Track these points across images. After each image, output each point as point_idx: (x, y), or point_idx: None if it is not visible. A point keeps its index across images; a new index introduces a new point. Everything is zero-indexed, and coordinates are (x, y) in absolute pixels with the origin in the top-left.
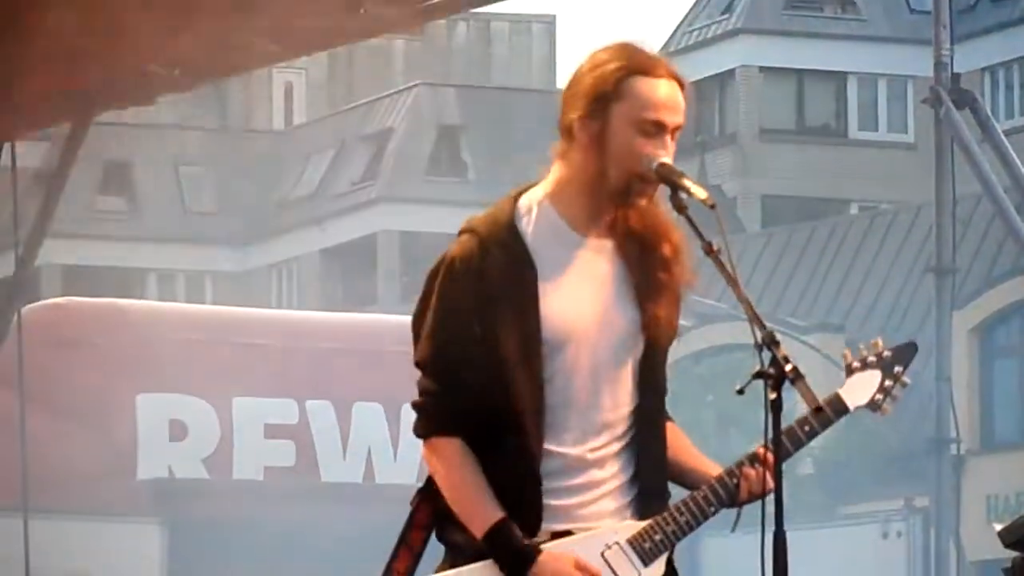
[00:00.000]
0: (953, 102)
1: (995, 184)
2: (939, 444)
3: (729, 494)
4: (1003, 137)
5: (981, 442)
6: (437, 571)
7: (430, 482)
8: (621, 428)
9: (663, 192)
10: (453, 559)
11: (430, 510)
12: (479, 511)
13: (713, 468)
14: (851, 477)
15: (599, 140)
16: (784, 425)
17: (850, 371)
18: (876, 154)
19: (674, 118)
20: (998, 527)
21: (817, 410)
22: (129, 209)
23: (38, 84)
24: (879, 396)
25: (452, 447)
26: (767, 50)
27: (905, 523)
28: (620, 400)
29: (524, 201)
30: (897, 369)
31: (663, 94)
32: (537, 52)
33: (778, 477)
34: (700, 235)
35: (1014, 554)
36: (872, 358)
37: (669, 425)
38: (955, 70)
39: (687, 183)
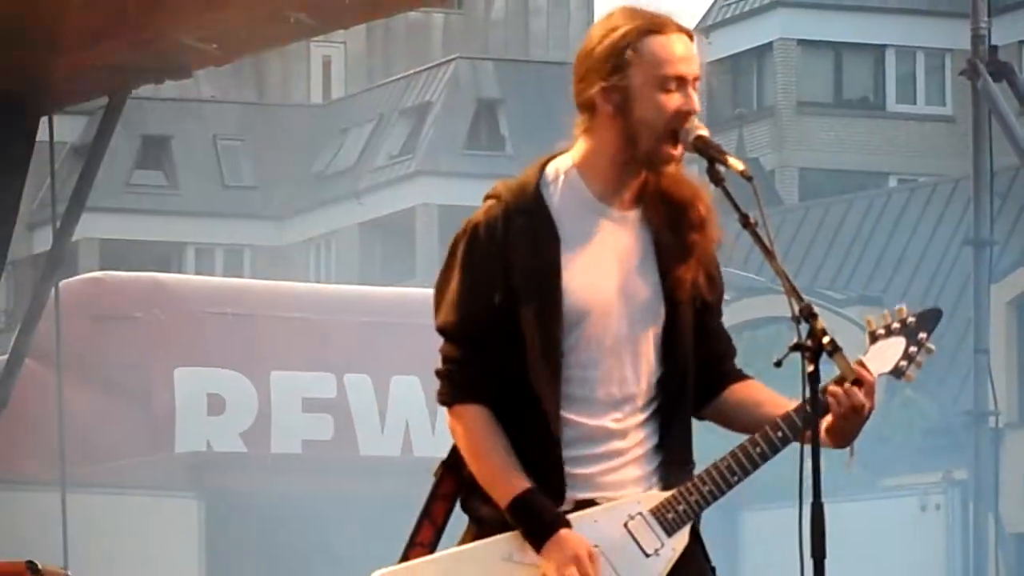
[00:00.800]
0: (991, 74)
1: None
2: (978, 417)
3: (752, 461)
4: None
5: (1020, 415)
6: (460, 543)
7: (453, 453)
8: (645, 399)
9: (690, 160)
10: (477, 530)
11: (453, 481)
12: (504, 479)
13: (784, 402)
14: (890, 450)
15: (623, 108)
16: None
17: (874, 338)
18: (914, 127)
19: (692, 69)
20: None
21: (841, 380)
22: (167, 183)
23: (75, 58)
24: (903, 363)
25: (477, 414)
26: (805, 23)
27: (944, 496)
28: (642, 371)
29: (551, 169)
30: (921, 335)
31: (678, 48)
32: (575, 25)
33: (815, 449)
34: (737, 207)
35: None
36: (896, 325)
37: (750, 382)
38: (993, 42)
39: (724, 155)
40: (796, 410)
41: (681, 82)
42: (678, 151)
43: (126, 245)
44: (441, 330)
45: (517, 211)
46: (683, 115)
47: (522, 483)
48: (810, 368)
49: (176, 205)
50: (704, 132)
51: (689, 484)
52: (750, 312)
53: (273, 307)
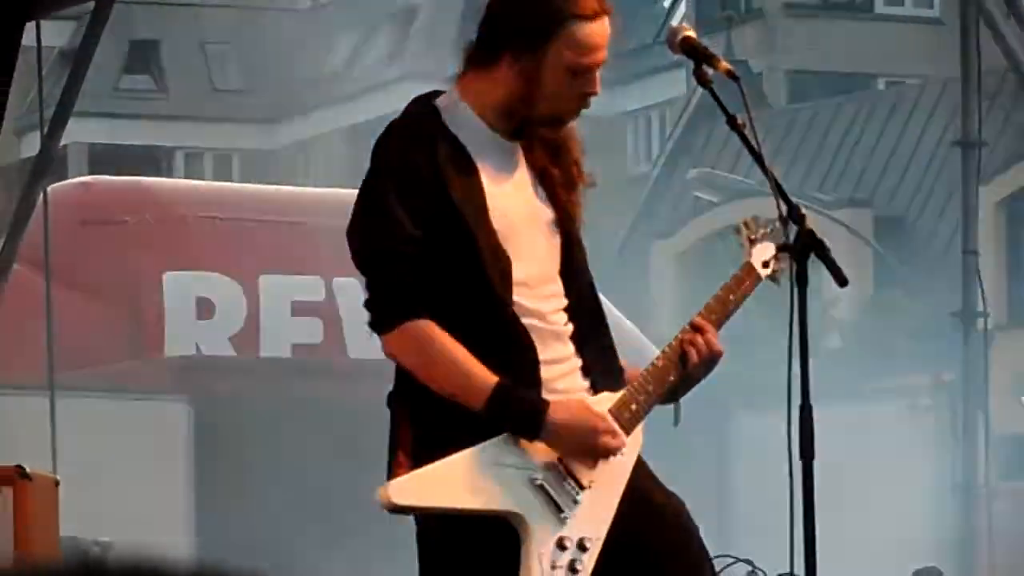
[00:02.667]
0: None
1: (1021, 59)
2: (966, 318)
3: (682, 361)
4: None
5: (1009, 316)
6: (428, 462)
7: (399, 384)
8: (565, 316)
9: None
10: (439, 451)
11: (406, 410)
12: (476, 381)
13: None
14: (878, 352)
15: (528, 77)
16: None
17: (751, 243)
18: (902, 29)
19: (603, 55)
20: None
21: (746, 276)
22: (155, 87)
23: None
24: (777, 267)
25: (429, 327)
26: None
27: (932, 398)
28: (557, 290)
29: (441, 103)
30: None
31: (598, 36)
32: None
33: (803, 352)
34: (724, 109)
35: None
36: (764, 231)
37: None
38: None
39: (710, 56)
40: (706, 308)
41: (593, 68)
42: (568, 122)
43: (114, 150)
44: (370, 256)
45: (433, 140)
46: (585, 102)
47: (492, 378)
48: (797, 269)
49: (164, 109)
50: (691, 34)
51: (635, 384)
52: (738, 214)
53: (262, 211)
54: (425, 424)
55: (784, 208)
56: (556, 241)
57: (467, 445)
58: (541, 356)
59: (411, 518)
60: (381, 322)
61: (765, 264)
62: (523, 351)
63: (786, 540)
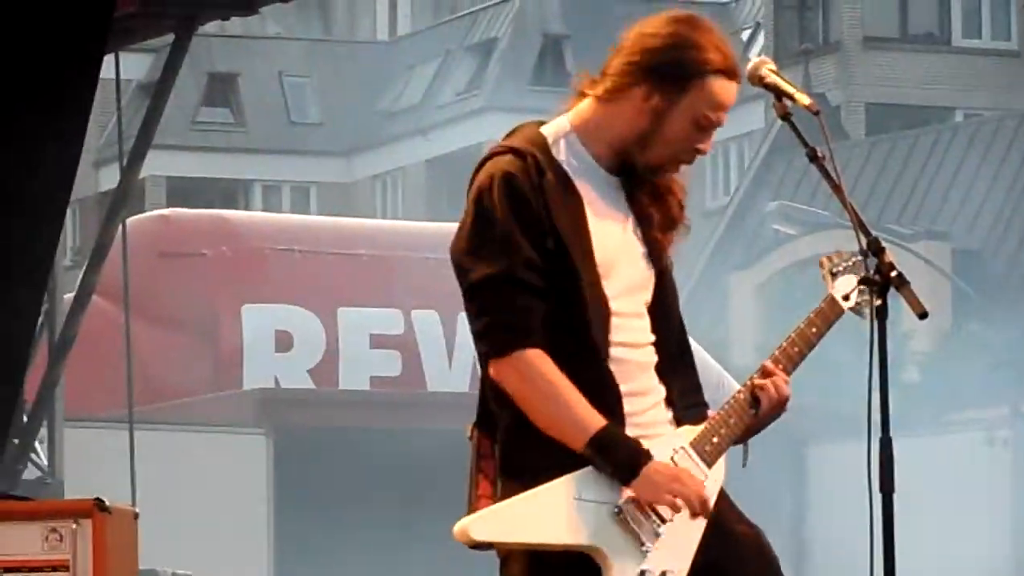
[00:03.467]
0: None
1: None
2: None
3: (754, 402)
4: None
5: None
6: (502, 497)
7: (484, 411)
8: (652, 349)
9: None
10: (525, 480)
11: (490, 439)
12: (582, 418)
13: None
14: (957, 385)
15: (657, 116)
16: (795, 329)
17: (833, 276)
18: (980, 61)
19: (726, 118)
20: None
21: (829, 310)
22: (234, 120)
23: None
24: (860, 300)
25: (540, 358)
26: None
27: (1011, 430)
28: (647, 325)
29: (549, 131)
30: (865, 273)
31: (730, 98)
32: None
33: (883, 384)
34: (804, 142)
35: None
36: (847, 263)
37: None
38: None
39: (791, 89)
40: (778, 351)
41: (715, 126)
42: (674, 171)
43: (193, 182)
44: (487, 280)
45: (542, 166)
46: (693, 158)
47: (599, 420)
48: (877, 302)
49: (242, 142)
50: (771, 67)
51: (717, 417)
52: (817, 247)
53: (340, 244)
54: (509, 455)
55: (864, 241)
56: (650, 276)
57: (550, 477)
58: (627, 388)
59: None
60: (495, 348)
61: (846, 297)
62: (607, 388)
63: (866, 572)
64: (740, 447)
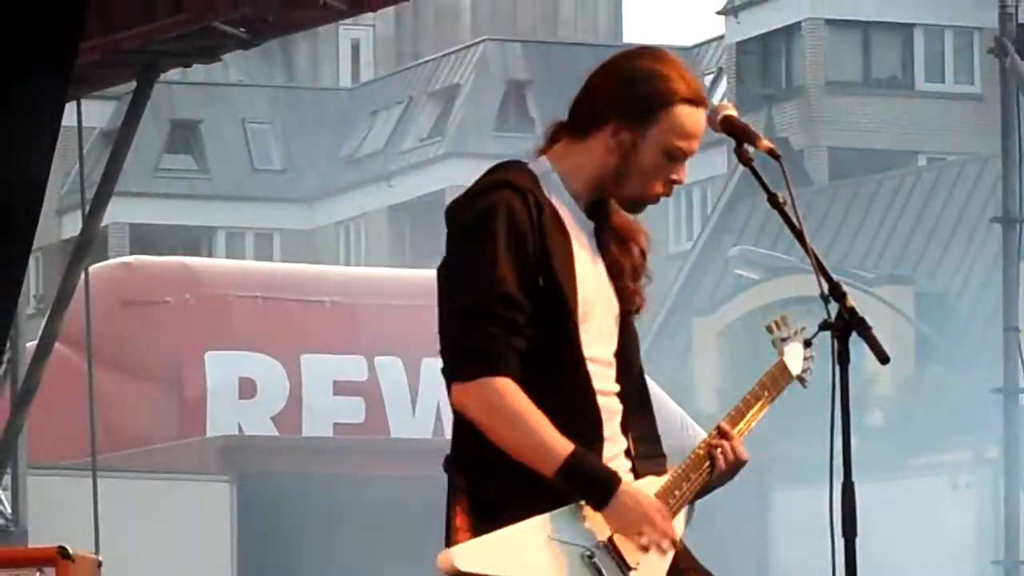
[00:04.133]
0: (1018, 52)
1: None
2: (1007, 395)
3: (709, 462)
4: None
5: None
6: (477, 534)
7: (458, 448)
8: (617, 397)
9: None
10: (492, 513)
11: (465, 476)
12: (551, 445)
13: None
14: (920, 429)
15: (628, 151)
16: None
17: (783, 341)
18: (943, 105)
19: (697, 146)
20: None
21: (779, 375)
22: (196, 167)
23: (103, 42)
24: (806, 367)
25: (510, 386)
26: (833, 2)
27: (975, 474)
28: (613, 371)
29: (535, 168)
30: (811, 345)
31: (698, 126)
32: (604, 6)
33: (845, 427)
34: (766, 187)
35: None
36: (794, 331)
37: None
38: (1020, 20)
39: (752, 134)
40: (732, 414)
41: (686, 156)
42: (649, 203)
43: (156, 230)
44: (469, 304)
45: (540, 201)
46: (669, 190)
47: (567, 445)
48: (839, 347)
49: (205, 189)
50: (732, 112)
51: (678, 471)
52: (779, 292)
53: (303, 291)
54: (483, 490)
55: (825, 285)
56: (617, 323)
57: (526, 514)
58: (605, 432)
59: None
60: (459, 371)
61: (796, 363)
62: (594, 427)
63: None
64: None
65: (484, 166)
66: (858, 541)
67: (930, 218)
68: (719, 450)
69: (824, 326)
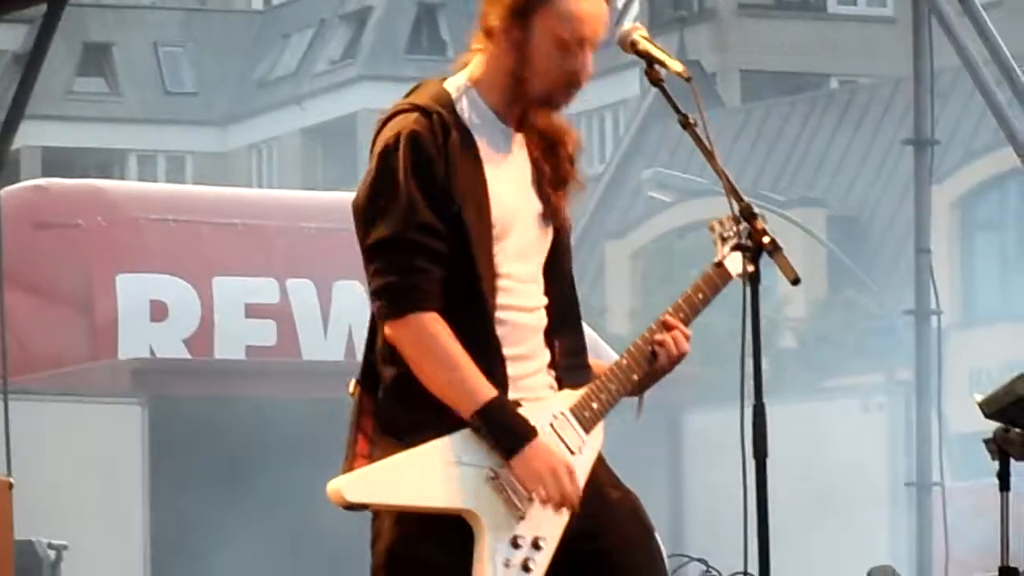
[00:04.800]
0: None
1: (974, 58)
2: (920, 316)
3: (648, 360)
4: (981, 10)
5: (963, 315)
6: (378, 456)
7: (367, 369)
8: (542, 310)
9: (632, 60)
10: (402, 439)
11: (373, 397)
12: (472, 387)
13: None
14: (832, 351)
15: (519, 49)
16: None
17: (723, 240)
18: (855, 28)
19: (597, 32)
20: (979, 398)
21: (717, 275)
22: (109, 90)
23: None
24: (750, 267)
25: (434, 322)
26: None
27: (887, 396)
28: (539, 285)
29: (452, 86)
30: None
31: (587, 11)
32: None
33: (756, 350)
34: (676, 108)
35: (996, 426)
36: (736, 230)
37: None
38: None
39: (663, 56)
40: (674, 307)
41: (582, 44)
42: (567, 101)
43: (68, 152)
44: (386, 240)
45: (447, 124)
46: (574, 81)
47: (490, 391)
48: (750, 268)
49: (118, 112)
50: (643, 34)
51: (597, 382)
52: (691, 214)
53: (215, 213)
54: (388, 412)
55: (737, 207)
56: (545, 236)
57: (428, 438)
58: (512, 351)
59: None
60: (391, 309)
61: (735, 263)
62: (492, 351)
63: (740, 540)
64: (634, 400)
65: (396, 89)
66: (769, 463)
67: (842, 141)
68: (662, 345)
69: (735, 247)
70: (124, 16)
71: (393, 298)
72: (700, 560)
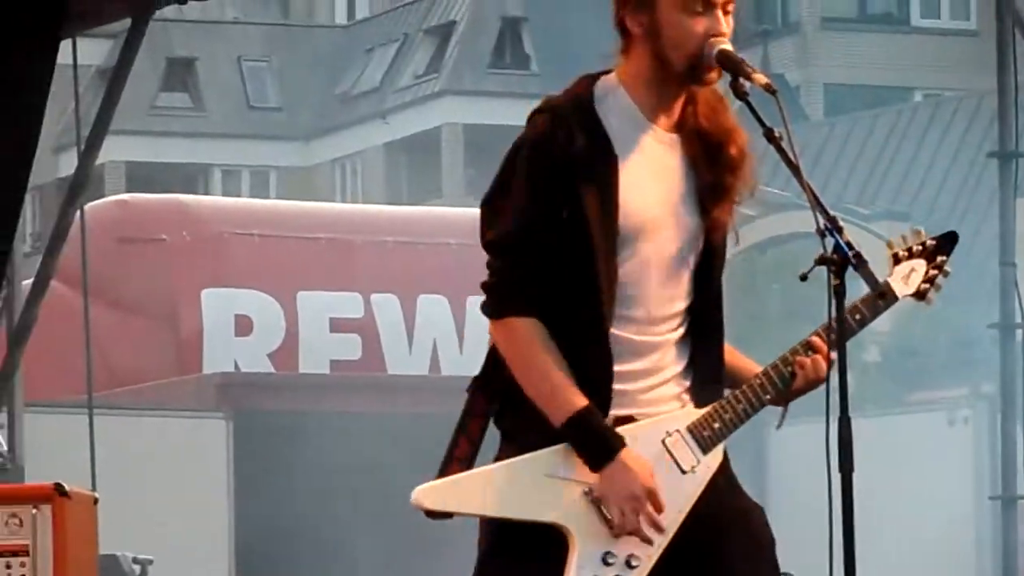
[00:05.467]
0: None
1: None
2: (1004, 330)
3: (784, 381)
4: None
5: None
6: (496, 459)
7: (485, 371)
8: (678, 321)
9: (730, 93)
10: (510, 447)
11: (486, 398)
12: (562, 396)
13: (755, 367)
14: (917, 364)
15: (651, 31)
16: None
17: (896, 260)
18: (939, 41)
19: None
20: None
21: (877, 296)
22: (192, 105)
23: None
24: (924, 286)
25: (531, 327)
26: None
27: (971, 409)
28: (679, 295)
29: (599, 86)
30: (940, 258)
31: None
32: None
33: (842, 364)
34: (761, 122)
35: None
36: (917, 247)
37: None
38: None
39: (748, 69)
40: (823, 328)
41: (708, 4)
42: (711, 71)
43: (152, 167)
44: (496, 241)
45: (575, 125)
46: (711, 39)
47: (580, 400)
48: (836, 282)
49: (201, 127)
50: (728, 47)
51: (723, 402)
52: (776, 228)
53: (299, 227)
54: (500, 418)
55: (822, 220)
56: (693, 246)
57: (539, 440)
58: (629, 366)
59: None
60: (491, 309)
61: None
62: (600, 365)
63: (825, 554)
64: (779, 410)
65: (480, 103)
66: (855, 476)
67: (927, 154)
68: (802, 367)
69: (820, 261)
70: (208, 31)
71: (494, 298)
72: (785, 574)
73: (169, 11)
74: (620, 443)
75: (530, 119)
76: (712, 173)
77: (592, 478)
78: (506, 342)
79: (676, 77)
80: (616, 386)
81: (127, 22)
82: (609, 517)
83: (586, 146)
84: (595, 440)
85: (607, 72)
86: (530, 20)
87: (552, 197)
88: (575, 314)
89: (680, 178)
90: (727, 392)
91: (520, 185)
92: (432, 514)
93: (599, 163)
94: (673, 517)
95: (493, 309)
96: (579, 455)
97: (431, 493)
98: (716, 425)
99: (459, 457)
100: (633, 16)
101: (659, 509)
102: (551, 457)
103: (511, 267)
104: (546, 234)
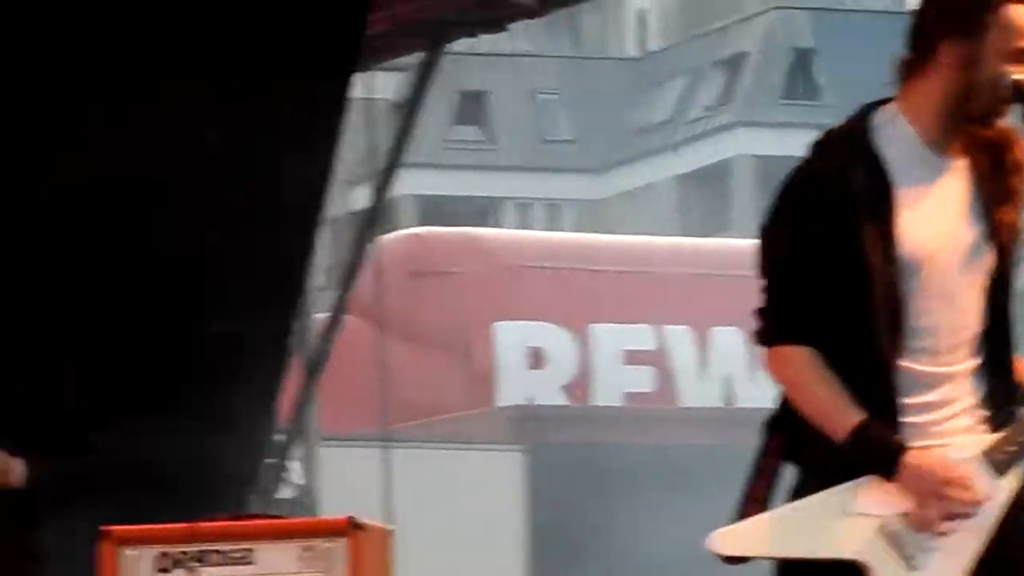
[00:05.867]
0: None
1: None
2: None
3: None
4: None
5: None
6: (794, 494)
7: (781, 410)
8: (972, 347)
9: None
10: (807, 481)
11: (782, 438)
12: (839, 413)
13: None
14: None
15: (967, 66)
16: None
17: None
18: None
19: None
20: None
21: None
22: (485, 138)
23: (391, 14)
24: None
25: (804, 353)
26: None
27: None
28: (970, 322)
29: (878, 116)
30: None
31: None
32: None
33: None
34: None
35: None
36: None
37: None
38: None
39: None
40: None
41: (1021, 55)
42: (1004, 113)
43: (444, 201)
44: (766, 268)
45: (849, 157)
46: (1018, 95)
47: (858, 414)
48: None
49: (494, 160)
50: (1021, 76)
51: (1019, 424)
52: None
53: (591, 260)
54: (795, 456)
55: None
56: (981, 265)
57: (833, 477)
58: (916, 399)
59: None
60: (763, 336)
61: None
62: (886, 400)
63: None
64: None
65: (772, 135)
66: None
67: None
68: None
69: None
70: (500, 64)
71: (763, 325)
72: None
73: (461, 44)
74: (903, 445)
75: (808, 149)
76: (996, 180)
77: (887, 510)
78: (778, 369)
79: (970, 115)
80: (906, 419)
81: (420, 55)
82: (916, 548)
83: (860, 176)
84: (880, 446)
85: (887, 100)
86: (821, 51)
87: (823, 229)
88: (854, 347)
89: (963, 202)
90: (1022, 410)
91: (793, 216)
92: (729, 559)
93: (875, 193)
94: (968, 549)
95: (762, 336)
96: (869, 468)
97: (728, 538)
98: (1011, 448)
99: (755, 497)
100: (952, 47)
101: (968, 486)
102: (843, 494)
103: (783, 294)
104: (817, 264)
